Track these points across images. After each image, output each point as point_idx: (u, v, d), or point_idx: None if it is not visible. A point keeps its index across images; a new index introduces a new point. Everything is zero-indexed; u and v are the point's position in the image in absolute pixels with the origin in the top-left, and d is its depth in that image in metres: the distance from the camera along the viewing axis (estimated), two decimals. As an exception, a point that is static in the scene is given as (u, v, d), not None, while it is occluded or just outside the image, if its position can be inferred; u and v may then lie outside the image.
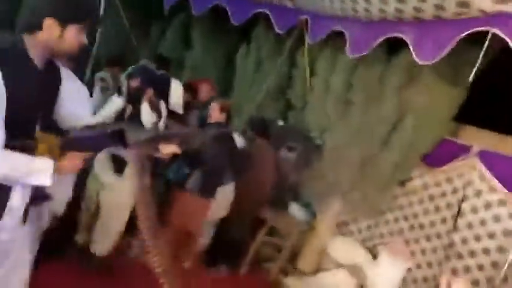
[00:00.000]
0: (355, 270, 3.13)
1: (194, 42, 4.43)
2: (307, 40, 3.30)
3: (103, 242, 2.55)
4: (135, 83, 3.42)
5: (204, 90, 3.81)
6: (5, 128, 1.30)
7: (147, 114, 3.20)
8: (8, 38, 1.41)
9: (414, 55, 2.37)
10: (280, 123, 3.70)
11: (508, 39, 1.86)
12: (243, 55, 3.96)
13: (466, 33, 2.03)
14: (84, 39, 1.45)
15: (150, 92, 3.26)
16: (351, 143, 3.31)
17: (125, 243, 2.80)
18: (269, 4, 3.45)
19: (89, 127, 1.52)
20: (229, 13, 3.68)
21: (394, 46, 2.90)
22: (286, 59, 3.62)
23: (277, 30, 3.44)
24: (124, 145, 1.51)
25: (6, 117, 1.30)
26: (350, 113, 3.34)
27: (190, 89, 3.83)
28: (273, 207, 3.50)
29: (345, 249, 3.23)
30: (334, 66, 3.35)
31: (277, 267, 3.29)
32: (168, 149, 1.66)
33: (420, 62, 2.36)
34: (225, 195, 2.94)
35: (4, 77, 1.30)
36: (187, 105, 3.78)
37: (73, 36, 1.41)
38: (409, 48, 2.45)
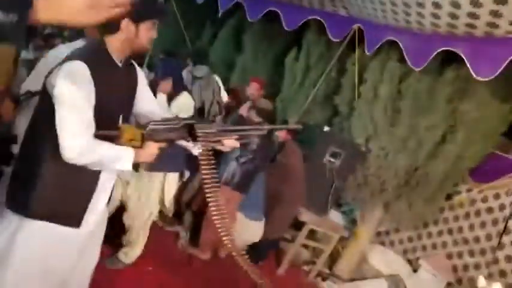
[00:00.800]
0: (394, 281, 3.13)
1: (245, 46, 4.55)
2: (358, 48, 3.33)
3: (134, 249, 2.65)
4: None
5: (253, 88, 3.88)
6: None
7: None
8: (92, 41, 1.59)
9: (471, 70, 2.35)
10: (326, 129, 3.74)
11: None
12: (293, 59, 4.03)
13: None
14: (155, 34, 1.61)
15: (166, 83, 3.21)
16: (397, 152, 3.31)
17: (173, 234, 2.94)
18: (322, 11, 3.50)
19: (164, 120, 1.67)
20: (282, 19, 3.76)
21: (446, 57, 2.88)
22: (335, 66, 3.66)
23: (331, 38, 3.48)
24: (193, 138, 1.65)
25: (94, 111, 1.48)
26: (398, 122, 3.34)
27: (232, 93, 3.94)
28: (314, 211, 3.56)
29: (385, 259, 3.24)
30: (384, 74, 3.36)
31: (315, 271, 3.35)
32: (230, 143, 1.78)
33: (477, 78, 2.34)
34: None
35: (91, 76, 1.47)
36: (227, 109, 3.88)
37: (147, 33, 1.57)
38: (460, 61, 2.44)
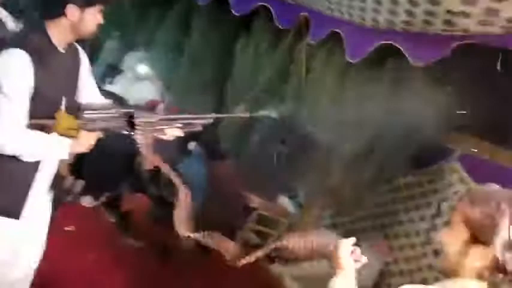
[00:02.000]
0: (337, 261, 3.30)
1: (193, 30, 4.48)
2: (306, 37, 3.39)
3: None
4: None
5: None
6: (32, 109, 1.44)
7: None
8: (32, 26, 1.53)
9: (409, 58, 2.48)
10: (275, 116, 3.81)
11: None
12: (242, 47, 4.03)
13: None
14: (101, 20, 1.59)
15: None
16: (342, 139, 3.44)
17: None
18: (271, -2, 3.52)
19: (102, 108, 1.65)
20: (230, 4, 3.74)
21: (386, 50, 3.00)
22: (284, 54, 3.71)
23: (279, 25, 3.51)
24: (133, 127, 1.64)
25: (32, 98, 1.44)
26: (343, 110, 3.45)
27: None
28: (263, 197, 3.66)
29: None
30: (330, 65, 3.45)
31: (263, 255, 3.45)
32: (172, 132, 1.79)
33: (414, 64, 2.46)
34: None
35: (31, 63, 1.43)
36: None
37: (93, 19, 1.55)
38: (400, 55, 2.57)
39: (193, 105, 4.09)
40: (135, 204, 3.49)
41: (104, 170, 3.62)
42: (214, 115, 1.97)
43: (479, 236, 1.07)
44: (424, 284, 1.16)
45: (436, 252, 3.08)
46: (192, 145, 3.51)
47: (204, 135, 2.99)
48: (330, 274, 3.29)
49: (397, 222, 3.30)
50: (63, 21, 1.51)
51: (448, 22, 2.03)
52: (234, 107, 3.89)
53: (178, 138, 1.82)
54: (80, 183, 3.63)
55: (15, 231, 1.60)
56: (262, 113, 2.73)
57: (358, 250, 1.34)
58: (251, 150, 3.89)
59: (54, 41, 1.53)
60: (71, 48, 1.63)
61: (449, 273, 1.14)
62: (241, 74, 4.02)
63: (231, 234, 3.43)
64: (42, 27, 1.51)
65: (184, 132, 1.86)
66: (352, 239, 1.37)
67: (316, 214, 3.57)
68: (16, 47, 1.42)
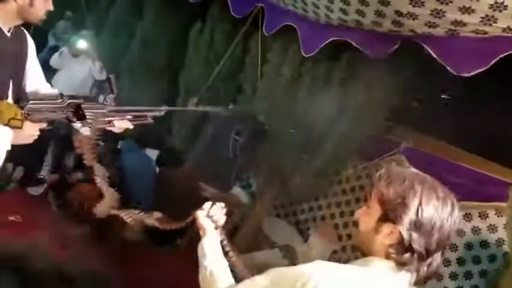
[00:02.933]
0: (287, 250, 3.38)
1: (145, 12, 4.34)
2: (261, 28, 3.38)
3: None
4: None
5: None
6: None
7: None
8: None
9: (364, 52, 2.54)
10: (230, 106, 3.80)
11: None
12: (196, 33, 3.96)
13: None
14: (51, 6, 1.51)
15: None
16: (294, 130, 3.49)
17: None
18: (227, -14, 3.47)
19: (47, 98, 1.57)
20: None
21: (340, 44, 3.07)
22: (239, 44, 3.69)
23: (233, 14, 3.48)
24: (79, 118, 1.58)
25: None
26: (296, 102, 3.50)
27: None
28: (217, 187, 3.66)
29: (280, 230, 3.47)
30: (286, 56, 3.47)
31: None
32: (121, 124, 1.74)
33: (370, 56, 2.53)
34: None
35: None
36: None
37: (44, 4, 1.46)
38: (353, 49, 2.65)
39: (143, 92, 4.00)
40: (80, 191, 3.39)
41: (41, 154, 3.51)
42: (166, 108, 1.92)
43: (390, 214, 1.08)
44: None
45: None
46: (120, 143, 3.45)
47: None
48: (282, 263, 3.37)
49: (347, 212, 3.41)
50: (11, 4, 1.42)
51: (396, 23, 2.10)
52: (186, 95, 3.84)
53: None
54: (20, 170, 3.49)
55: None
56: (214, 108, 2.71)
57: (213, 208, 1.42)
58: (205, 141, 3.87)
59: (0, 24, 1.44)
60: (17, 32, 1.54)
61: (363, 251, 1.15)
62: (195, 62, 3.96)
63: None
64: None
65: (134, 125, 1.81)
66: (209, 203, 1.43)
67: (268, 204, 3.63)
68: None
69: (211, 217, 1.40)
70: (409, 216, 1.06)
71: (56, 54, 4.31)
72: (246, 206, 3.68)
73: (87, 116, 1.57)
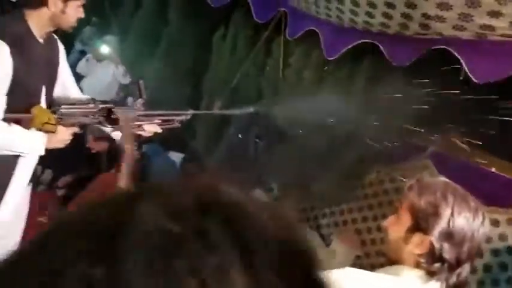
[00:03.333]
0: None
1: (170, 18, 4.42)
2: (284, 33, 3.40)
3: None
4: None
5: None
6: (10, 102, 1.40)
7: None
8: (11, 14, 1.48)
9: (388, 57, 2.53)
10: (251, 109, 3.82)
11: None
12: (220, 38, 4.01)
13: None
14: (83, 14, 1.55)
15: None
16: (316, 134, 3.48)
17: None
18: (250, -9, 3.50)
19: (79, 103, 1.61)
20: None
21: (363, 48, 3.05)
22: (261, 48, 3.71)
23: (256, 19, 3.51)
24: (111, 122, 1.62)
25: (11, 90, 1.41)
26: (318, 106, 3.49)
27: None
28: (238, 190, 3.67)
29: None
30: (308, 60, 3.48)
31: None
32: (151, 128, 1.77)
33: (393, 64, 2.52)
34: None
35: (10, 54, 1.39)
36: None
37: (75, 12, 1.51)
38: (377, 53, 2.63)
39: (167, 97, 4.06)
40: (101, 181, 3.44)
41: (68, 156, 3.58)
42: (192, 111, 1.96)
43: (421, 224, 1.09)
44: None
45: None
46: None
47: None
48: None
49: (370, 217, 3.38)
50: (44, 11, 1.47)
51: (423, 25, 2.08)
52: (210, 99, 3.88)
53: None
54: (49, 172, 3.57)
55: None
56: (240, 110, 2.73)
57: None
58: (226, 144, 3.90)
59: (34, 31, 1.49)
60: (49, 39, 1.59)
61: (392, 260, 1.15)
62: (218, 67, 4.00)
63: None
64: (22, 16, 1.46)
65: (162, 129, 1.85)
66: None
67: (290, 207, 3.62)
68: None
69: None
70: (441, 226, 1.06)
71: (82, 61, 4.42)
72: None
73: (118, 120, 1.61)
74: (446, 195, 1.08)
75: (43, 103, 1.58)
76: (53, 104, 1.60)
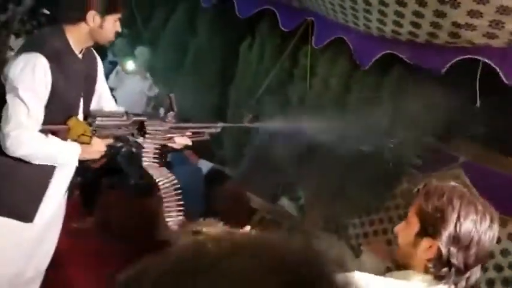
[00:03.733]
0: (337, 265, 3.32)
1: (198, 30, 4.49)
2: (311, 41, 3.40)
3: None
4: None
5: None
6: (49, 114, 1.46)
7: None
8: (50, 29, 1.54)
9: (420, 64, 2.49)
10: (279, 123, 3.82)
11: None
12: (247, 48, 4.04)
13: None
14: (119, 28, 1.60)
15: None
16: (344, 143, 3.44)
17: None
18: (276, 2, 3.52)
19: (113, 115, 1.66)
20: (235, 6, 3.74)
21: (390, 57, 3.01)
22: (288, 57, 3.71)
23: (282, 28, 3.52)
24: (143, 134, 1.66)
25: (50, 103, 1.46)
26: (345, 114, 3.46)
27: None
28: (265, 198, 3.68)
29: (328, 245, 3.42)
30: (334, 68, 3.45)
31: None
32: (181, 140, 1.80)
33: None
34: None
35: (49, 68, 1.45)
36: None
37: (112, 26, 1.56)
38: (403, 61, 2.60)
39: (195, 106, 4.12)
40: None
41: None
42: (222, 124, 1.98)
43: (429, 229, 1.08)
44: None
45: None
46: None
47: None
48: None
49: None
50: (83, 27, 1.52)
51: (453, 34, 2.03)
52: (237, 108, 3.91)
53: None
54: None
55: (28, 234, 1.62)
56: (270, 124, 2.74)
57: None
58: (252, 151, 3.91)
59: (73, 46, 1.54)
60: (88, 53, 1.64)
61: (401, 265, 1.17)
62: (245, 76, 4.03)
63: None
64: (61, 31, 1.52)
65: (192, 141, 1.87)
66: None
67: (317, 216, 3.59)
68: (35, 50, 1.44)
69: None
70: (448, 230, 1.06)
71: (112, 74, 4.55)
72: (294, 219, 3.66)
73: (149, 133, 1.65)
74: (452, 200, 1.07)
75: (80, 115, 1.63)
76: (88, 116, 1.65)
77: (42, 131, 1.49)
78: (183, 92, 4.33)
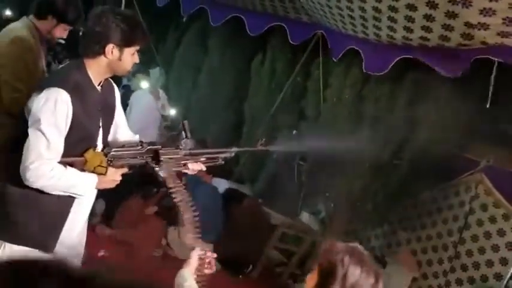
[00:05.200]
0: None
1: (210, 49, 4.55)
2: (322, 54, 3.41)
3: None
4: None
5: None
6: (69, 145, 1.48)
7: None
8: (72, 63, 1.58)
9: (437, 69, 2.46)
10: (294, 132, 3.82)
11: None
12: (259, 64, 4.07)
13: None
14: (138, 60, 1.62)
15: None
16: (361, 154, 3.41)
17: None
18: (285, 17, 3.55)
19: (128, 145, 1.67)
20: (246, 24, 3.78)
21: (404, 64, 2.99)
22: (300, 71, 3.73)
23: (292, 42, 3.54)
24: (158, 162, 1.66)
25: (70, 135, 1.49)
26: (361, 125, 3.44)
27: None
28: (285, 214, 3.64)
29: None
30: (347, 79, 3.45)
31: (288, 273, 3.43)
32: (195, 166, 1.80)
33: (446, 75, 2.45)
34: None
35: (71, 102, 1.47)
36: None
37: (131, 58, 1.58)
38: (417, 68, 2.57)
39: (211, 122, 4.15)
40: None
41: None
42: (236, 149, 1.97)
43: (324, 282, 1.25)
44: None
45: (464, 267, 3.01)
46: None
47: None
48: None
49: (424, 236, 3.23)
50: (102, 60, 1.54)
51: (465, 35, 2.02)
52: (252, 124, 3.92)
53: None
54: (101, 203, 3.64)
55: None
56: (283, 147, 2.76)
57: (208, 257, 1.43)
58: (271, 168, 3.89)
59: (93, 79, 1.57)
60: (107, 85, 1.67)
61: None
62: (259, 92, 4.05)
63: (255, 253, 3.43)
64: (82, 65, 1.55)
65: (206, 166, 1.87)
66: (200, 250, 1.43)
67: (339, 230, 3.53)
68: (57, 85, 1.47)
69: (201, 259, 1.43)
70: (335, 286, 1.22)
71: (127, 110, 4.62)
72: (316, 233, 3.61)
73: (164, 160, 1.65)
74: (343, 259, 1.23)
75: (100, 145, 1.64)
76: (105, 147, 1.66)
77: (60, 162, 1.50)
78: (197, 110, 4.38)
